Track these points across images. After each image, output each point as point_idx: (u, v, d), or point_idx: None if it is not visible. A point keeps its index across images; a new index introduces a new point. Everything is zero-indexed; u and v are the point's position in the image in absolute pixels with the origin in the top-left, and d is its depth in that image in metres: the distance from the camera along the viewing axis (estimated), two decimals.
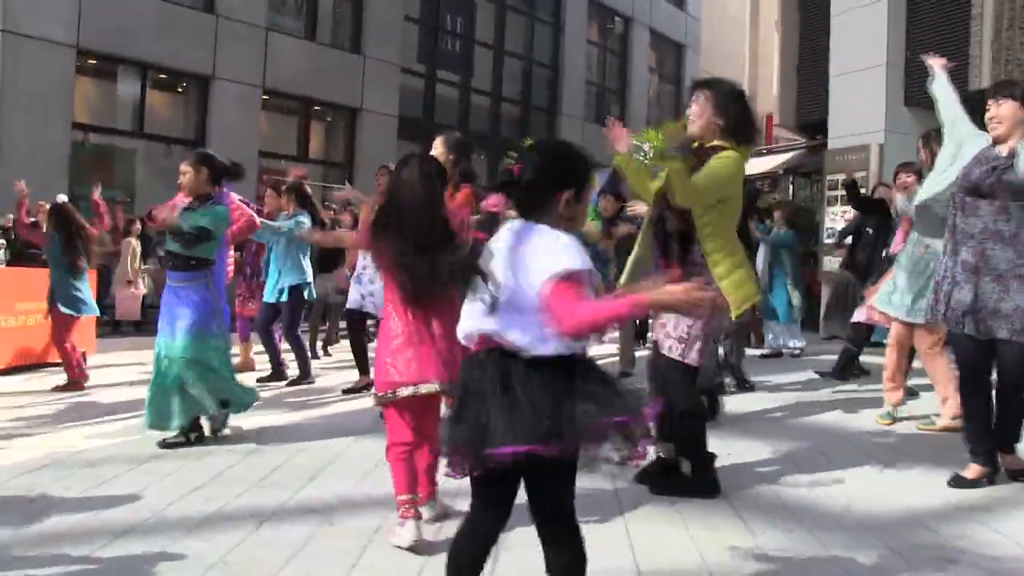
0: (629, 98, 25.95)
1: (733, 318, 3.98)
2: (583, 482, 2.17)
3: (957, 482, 4.03)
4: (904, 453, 4.72)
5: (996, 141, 4.11)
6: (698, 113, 3.92)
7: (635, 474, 3.93)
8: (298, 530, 3.34)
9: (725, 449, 4.46)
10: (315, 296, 7.74)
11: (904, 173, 6.05)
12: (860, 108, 11.96)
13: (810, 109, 14.08)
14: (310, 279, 7.32)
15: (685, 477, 4.00)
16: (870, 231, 7.60)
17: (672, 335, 3.89)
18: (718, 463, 4.01)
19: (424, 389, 3.21)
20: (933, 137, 5.05)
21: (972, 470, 4.04)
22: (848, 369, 7.28)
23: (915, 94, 11.53)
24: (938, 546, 3.23)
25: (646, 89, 26.69)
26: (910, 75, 11.53)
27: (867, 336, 7.04)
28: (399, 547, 3.11)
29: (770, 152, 16.29)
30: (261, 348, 7.39)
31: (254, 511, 3.57)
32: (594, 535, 2.47)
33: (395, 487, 3.24)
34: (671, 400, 3.84)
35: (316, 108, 17.79)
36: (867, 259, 7.46)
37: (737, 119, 3.92)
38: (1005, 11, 10.76)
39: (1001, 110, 4.07)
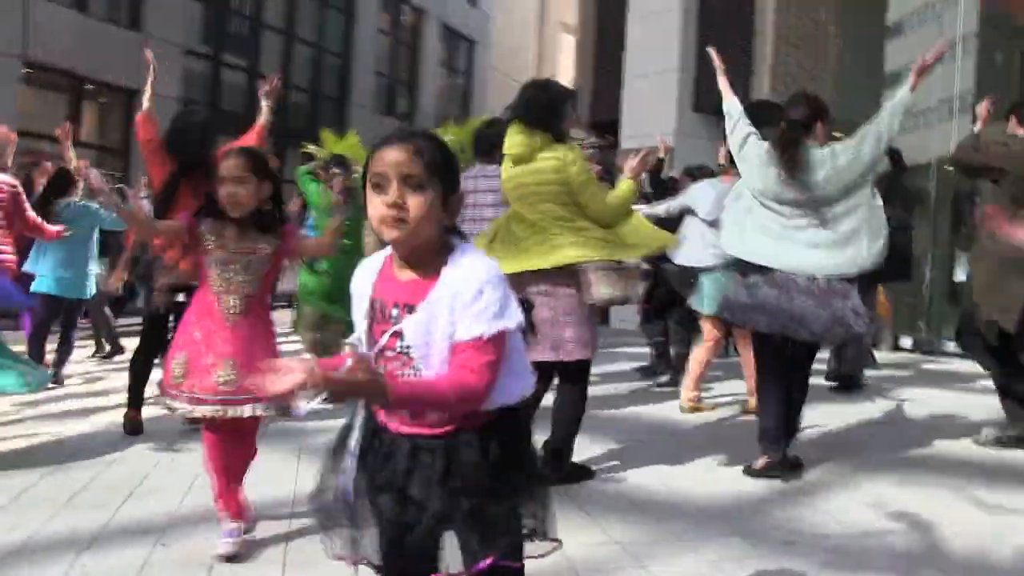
0: (419, 91, 25.87)
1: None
2: None
3: (748, 471, 4.20)
4: (726, 440, 4.97)
5: None
6: None
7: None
8: (128, 555, 3.00)
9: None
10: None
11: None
12: (652, 111, 12.53)
13: (603, 109, 14.59)
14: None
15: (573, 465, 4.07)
16: None
17: (574, 339, 3.90)
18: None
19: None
20: None
21: (761, 460, 4.20)
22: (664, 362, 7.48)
23: (704, 101, 12.24)
24: (777, 528, 3.40)
25: (436, 83, 26.73)
26: (700, 82, 12.20)
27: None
28: (221, 555, 2.95)
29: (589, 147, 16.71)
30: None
31: (71, 538, 3.17)
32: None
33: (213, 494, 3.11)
34: (572, 397, 4.01)
35: (88, 87, 16.36)
36: None
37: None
38: (783, 30, 11.62)
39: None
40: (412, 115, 25.04)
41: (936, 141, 10.06)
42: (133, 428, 4.83)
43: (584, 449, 4.36)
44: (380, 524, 1.76)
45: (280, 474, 3.93)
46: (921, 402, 6.39)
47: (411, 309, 1.67)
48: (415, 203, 1.63)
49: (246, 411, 2.91)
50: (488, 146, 5.05)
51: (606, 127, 14.46)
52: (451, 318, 1.63)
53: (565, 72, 32.62)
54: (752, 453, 4.25)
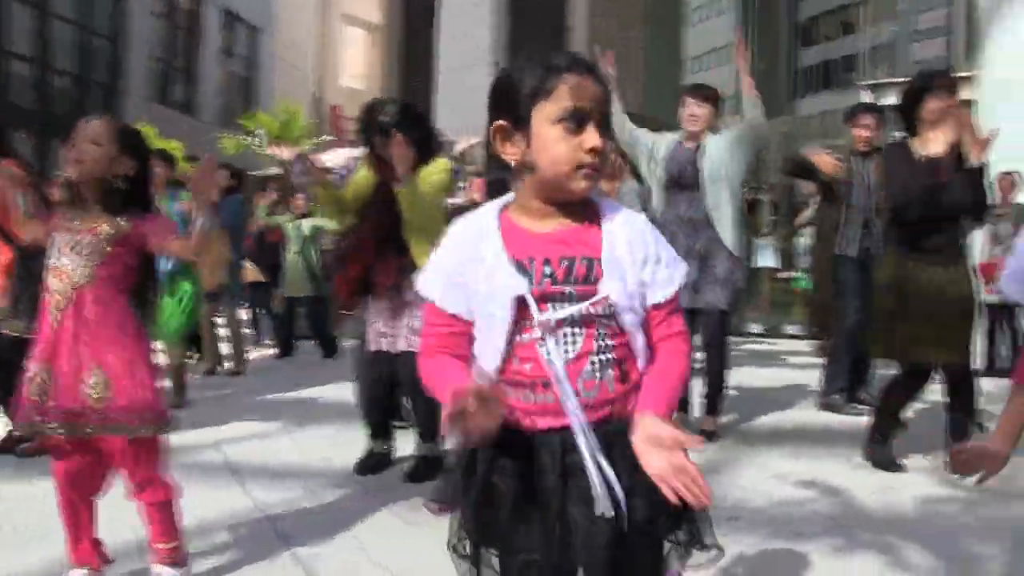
0: (200, 79, 24.50)
1: None
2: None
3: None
4: None
5: (691, 137, 4.68)
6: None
7: (357, 468, 4.08)
8: None
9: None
10: None
11: None
12: (466, 104, 12.56)
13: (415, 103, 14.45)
14: None
15: (435, 458, 4.01)
16: None
17: (419, 329, 3.80)
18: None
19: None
20: None
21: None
22: None
23: None
24: (721, 507, 3.53)
25: (218, 71, 25.40)
26: None
27: None
28: None
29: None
30: None
31: None
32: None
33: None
34: (420, 393, 3.73)
35: None
36: None
37: None
38: (592, 27, 12.06)
39: (702, 110, 4.66)
40: (191, 104, 23.68)
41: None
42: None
43: None
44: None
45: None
46: (770, 378, 6.86)
47: (573, 262, 1.41)
48: (607, 147, 1.40)
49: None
50: None
51: None
52: (640, 274, 1.44)
53: (353, 65, 32.23)
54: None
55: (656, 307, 1.47)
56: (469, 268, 1.45)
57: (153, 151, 4.41)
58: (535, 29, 12.66)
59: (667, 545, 1.50)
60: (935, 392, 4.22)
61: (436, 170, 3.98)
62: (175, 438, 4.35)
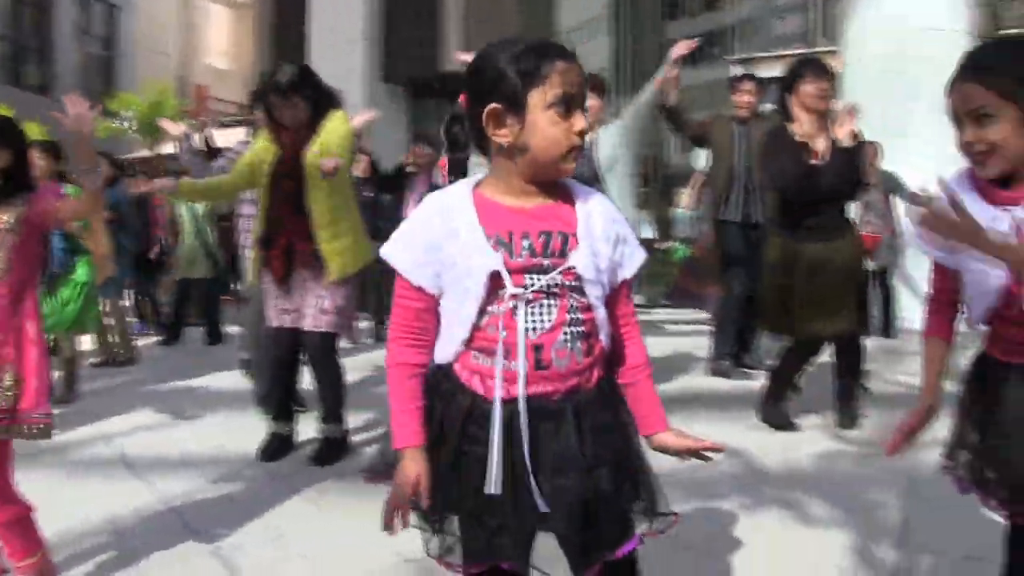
0: (53, 60, 23.10)
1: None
2: None
3: None
4: None
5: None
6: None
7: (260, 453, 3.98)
8: None
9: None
10: None
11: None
12: (339, 83, 12.28)
13: None
14: None
15: (337, 440, 4.02)
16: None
17: (329, 309, 3.86)
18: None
19: None
20: None
21: None
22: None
23: (393, 71, 12.27)
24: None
25: (74, 51, 23.98)
26: (388, 52, 12.20)
27: None
28: None
29: (237, 124, 15.88)
30: None
31: None
32: None
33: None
34: (327, 370, 3.97)
35: None
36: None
37: None
38: (467, 3, 11.98)
39: (592, 102, 4.73)
40: (46, 87, 22.33)
41: None
42: None
43: None
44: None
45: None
46: (656, 347, 6.98)
47: (550, 237, 1.48)
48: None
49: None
50: None
51: None
52: (612, 253, 1.53)
53: (218, 44, 31.01)
54: None
55: (624, 283, 1.58)
56: (444, 244, 1.49)
57: (34, 142, 4.18)
58: (408, 5, 12.48)
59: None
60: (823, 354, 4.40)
61: (337, 124, 3.86)
62: (68, 434, 4.23)
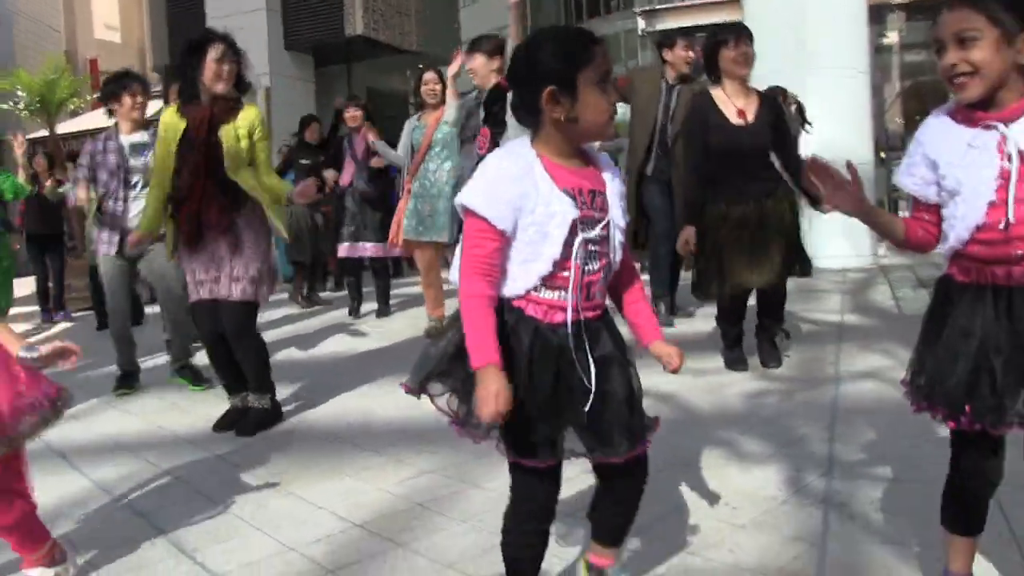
0: None
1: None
2: None
3: None
4: None
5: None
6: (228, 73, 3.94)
7: (214, 426, 4.06)
8: None
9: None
10: None
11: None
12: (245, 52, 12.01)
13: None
14: None
15: (262, 411, 4.07)
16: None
17: (243, 277, 3.92)
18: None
19: None
20: None
21: None
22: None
23: (295, 38, 12.04)
24: None
25: None
26: (288, 20, 11.96)
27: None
28: None
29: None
30: None
31: None
32: None
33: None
34: (245, 341, 4.02)
35: None
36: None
37: None
38: None
39: (475, 63, 5.04)
40: None
41: None
42: None
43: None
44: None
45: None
46: None
47: (595, 194, 1.81)
48: None
49: None
50: None
51: None
52: (621, 206, 1.87)
53: (107, 16, 29.76)
54: None
55: (623, 228, 1.89)
56: (526, 195, 1.75)
57: None
58: None
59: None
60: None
61: (247, 119, 3.96)
62: None
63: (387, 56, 13.68)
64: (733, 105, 4.25)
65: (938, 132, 1.85)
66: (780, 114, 4.31)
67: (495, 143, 4.52)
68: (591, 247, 1.81)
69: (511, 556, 1.91)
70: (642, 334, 1.96)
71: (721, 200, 4.25)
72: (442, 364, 1.83)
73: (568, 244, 1.77)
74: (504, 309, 1.79)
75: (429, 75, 6.15)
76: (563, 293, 1.80)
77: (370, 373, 4.98)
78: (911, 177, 1.90)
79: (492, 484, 2.97)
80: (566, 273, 1.79)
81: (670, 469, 3.00)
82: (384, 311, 7.24)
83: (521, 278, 1.79)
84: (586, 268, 1.81)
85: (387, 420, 3.98)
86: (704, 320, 5.46)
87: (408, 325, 6.63)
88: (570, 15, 19.90)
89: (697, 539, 2.47)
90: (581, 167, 1.83)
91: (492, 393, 1.67)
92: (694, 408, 3.83)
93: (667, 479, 2.91)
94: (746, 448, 3.25)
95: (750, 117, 4.23)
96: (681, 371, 1.95)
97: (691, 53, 5.72)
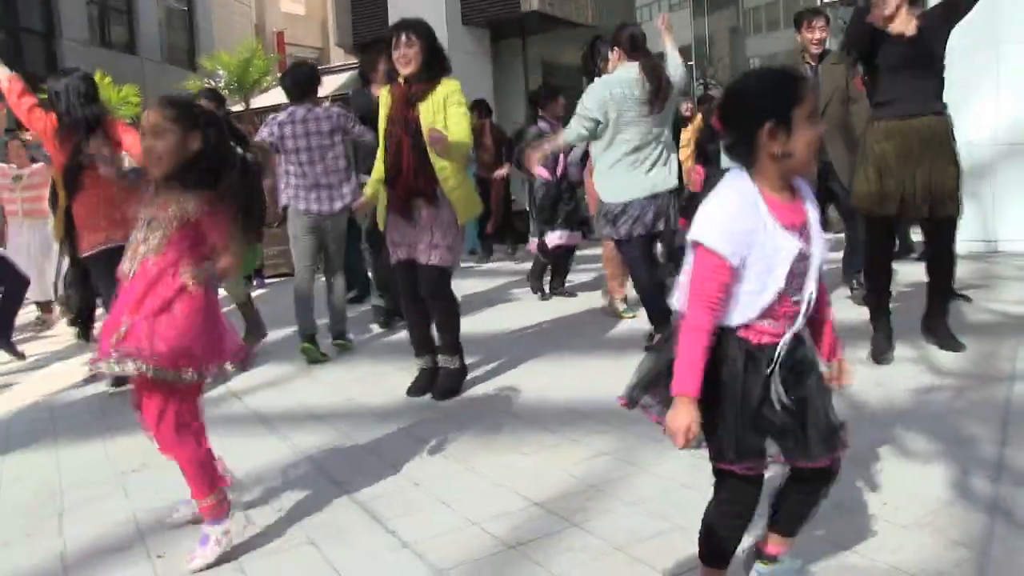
0: (137, 18, 23.66)
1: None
2: None
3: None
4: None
5: None
6: (411, 55, 4.16)
7: (408, 390, 4.50)
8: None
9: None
10: None
11: None
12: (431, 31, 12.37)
13: (366, 31, 14.14)
14: None
15: (452, 372, 4.47)
16: None
17: (440, 244, 4.27)
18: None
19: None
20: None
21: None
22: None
23: (472, 13, 12.34)
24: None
25: (155, 6, 24.50)
26: None
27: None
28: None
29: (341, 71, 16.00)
30: None
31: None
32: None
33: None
34: (440, 303, 4.40)
35: None
36: None
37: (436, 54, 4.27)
38: None
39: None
40: (132, 45, 22.95)
41: None
42: None
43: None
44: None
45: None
46: None
47: (804, 227, 1.94)
48: None
49: (128, 367, 2.55)
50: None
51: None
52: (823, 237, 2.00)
53: None
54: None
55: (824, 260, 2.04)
56: (755, 231, 1.89)
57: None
58: None
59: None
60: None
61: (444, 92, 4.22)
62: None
63: (562, 29, 13.81)
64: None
65: None
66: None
67: (710, 183, 4.70)
68: (801, 278, 1.95)
69: (717, 548, 2.10)
70: (828, 350, 2.12)
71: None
72: (652, 378, 2.02)
73: (788, 277, 1.91)
74: (722, 334, 1.94)
75: None
76: (775, 322, 1.95)
77: (541, 350, 5.26)
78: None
79: (660, 468, 3.16)
80: (782, 303, 1.94)
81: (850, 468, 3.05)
82: (561, 290, 7.38)
83: (743, 308, 1.93)
84: (796, 298, 1.95)
85: (560, 399, 4.22)
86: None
87: (580, 304, 6.85)
88: None
89: (858, 537, 2.52)
90: (791, 200, 1.96)
91: (682, 427, 1.86)
92: (862, 401, 3.81)
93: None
94: (912, 446, 3.25)
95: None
96: (853, 361, 2.12)
97: (819, 35, 5.64)
